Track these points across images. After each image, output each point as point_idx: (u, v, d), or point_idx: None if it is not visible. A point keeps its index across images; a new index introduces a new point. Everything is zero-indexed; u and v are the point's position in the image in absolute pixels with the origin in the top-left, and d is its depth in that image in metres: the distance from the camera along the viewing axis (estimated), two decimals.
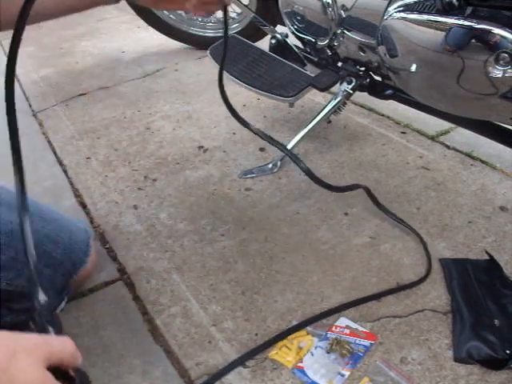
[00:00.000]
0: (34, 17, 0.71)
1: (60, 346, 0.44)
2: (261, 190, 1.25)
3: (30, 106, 1.83)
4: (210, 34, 2.14)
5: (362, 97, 1.37)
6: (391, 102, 1.24)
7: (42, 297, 0.48)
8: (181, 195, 1.25)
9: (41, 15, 0.75)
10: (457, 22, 0.81)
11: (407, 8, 0.90)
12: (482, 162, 1.29)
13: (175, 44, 2.22)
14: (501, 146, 1.04)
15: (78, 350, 0.46)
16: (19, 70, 2.15)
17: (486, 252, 0.99)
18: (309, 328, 0.87)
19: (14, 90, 0.49)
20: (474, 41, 0.79)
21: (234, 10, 2.07)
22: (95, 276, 1.01)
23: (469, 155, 1.32)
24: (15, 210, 0.80)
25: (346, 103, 1.31)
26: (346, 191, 1.11)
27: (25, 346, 0.41)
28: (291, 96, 1.27)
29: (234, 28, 2.08)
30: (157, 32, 2.16)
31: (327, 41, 1.21)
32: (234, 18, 2.10)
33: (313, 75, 1.28)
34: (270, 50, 1.45)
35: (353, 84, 1.23)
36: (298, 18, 1.27)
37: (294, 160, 0.95)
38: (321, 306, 0.92)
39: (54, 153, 1.50)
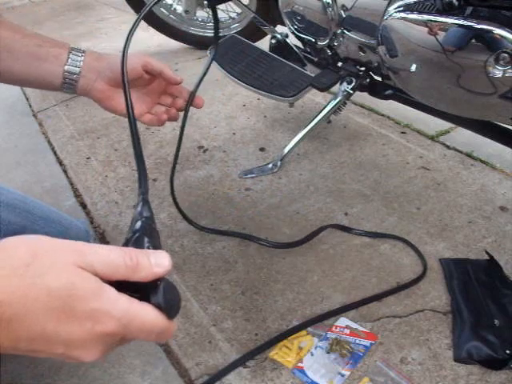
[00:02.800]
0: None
1: (108, 256, 0.36)
2: (261, 189, 1.25)
3: (30, 106, 1.83)
4: (210, 33, 2.14)
5: (362, 97, 1.37)
6: (391, 101, 1.24)
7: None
8: (181, 195, 1.25)
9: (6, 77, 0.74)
10: (457, 21, 0.81)
11: (407, 8, 0.90)
12: (482, 162, 1.29)
13: (175, 44, 2.22)
14: (501, 146, 1.04)
15: (166, 259, 0.39)
16: None
17: (486, 252, 0.99)
18: (309, 328, 0.87)
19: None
20: (474, 41, 0.79)
21: (234, 9, 2.07)
22: None
23: (469, 155, 1.32)
24: (15, 211, 0.80)
25: (345, 103, 1.31)
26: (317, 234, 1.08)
27: (61, 247, 0.35)
28: (291, 96, 1.27)
29: (234, 28, 2.09)
30: (157, 32, 2.16)
31: (327, 41, 1.21)
32: (233, 18, 2.10)
33: (313, 75, 1.28)
34: (269, 50, 1.45)
35: (353, 84, 1.23)
36: (298, 18, 1.27)
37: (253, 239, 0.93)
38: (321, 306, 0.92)
39: (54, 153, 1.50)
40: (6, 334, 0.32)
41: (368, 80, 1.22)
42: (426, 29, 0.86)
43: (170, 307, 0.37)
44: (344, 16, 1.11)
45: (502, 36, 0.76)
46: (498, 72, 0.78)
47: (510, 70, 0.77)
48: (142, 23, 2.40)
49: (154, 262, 0.38)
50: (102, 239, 1.12)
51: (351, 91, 1.25)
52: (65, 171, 1.40)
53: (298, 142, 1.32)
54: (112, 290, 0.35)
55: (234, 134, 1.51)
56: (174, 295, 0.38)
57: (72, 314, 0.33)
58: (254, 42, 1.56)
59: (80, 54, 0.75)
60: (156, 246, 0.42)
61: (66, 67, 0.73)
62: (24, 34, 0.72)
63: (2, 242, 0.34)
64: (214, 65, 1.45)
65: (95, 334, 0.34)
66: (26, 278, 0.32)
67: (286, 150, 1.32)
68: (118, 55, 0.71)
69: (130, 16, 2.49)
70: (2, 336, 0.32)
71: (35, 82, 0.75)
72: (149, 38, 2.35)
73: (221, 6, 1.99)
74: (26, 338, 0.33)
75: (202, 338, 0.88)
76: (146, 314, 0.36)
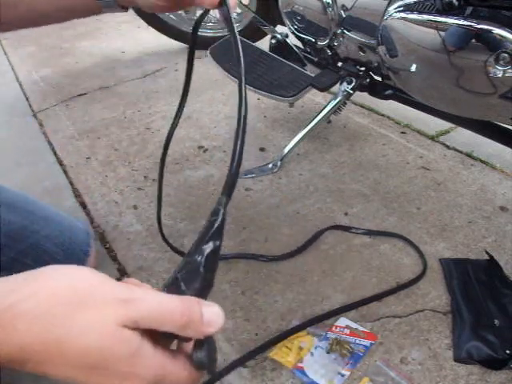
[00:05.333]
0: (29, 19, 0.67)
1: (156, 310, 0.34)
2: (261, 189, 1.25)
3: (30, 106, 1.83)
4: (209, 33, 2.14)
5: (362, 97, 1.37)
6: (391, 101, 1.24)
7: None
8: (181, 195, 1.25)
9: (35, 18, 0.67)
10: (457, 21, 0.81)
11: (407, 8, 0.90)
12: (482, 162, 1.29)
13: (175, 44, 2.22)
14: (501, 146, 1.04)
15: (219, 317, 0.39)
16: (19, 70, 2.15)
17: (486, 252, 0.99)
18: (309, 328, 0.87)
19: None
20: (474, 41, 0.79)
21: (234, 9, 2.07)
22: None
23: (469, 155, 1.32)
24: (15, 210, 0.80)
25: (345, 103, 1.31)
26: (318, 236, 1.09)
27: (103, 298, 0.33)
28: (291, 96, 1.27)
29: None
30: (157, 32, 2.16)
31: (327, 41, 1.21)
32: (234, 18, 2.10)
33: (313, 75, 1.28)
34: (270, 50, 1.45)
35: (353, 84, 1.23)
36: (298, 18, 1.27)
37: None
38: (321, 306, 0.92)
39: (54, 153, 1.50)
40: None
41: (368, 80, 1.22)
42: (426, 29, 0.86)
43: (210, 365, 0.36)
44: (344, 16, 1.11)
45: (502, 36, 0.76)
46: (498, 72, 0.78)
47: (510, 70, 0.77)
48: (142, 23, 2.39)
49: (207, 321, 0.38)
50: (102, 239, 1.12)
51: (351, 91, 1.25)
52: (65, 171, 1.40)
53: (298, 142, 1.32)
54: (148, 349, 0.34)
55: (234, 133, 1.51)
56: (214, 352, 0.37)
57: (103, 372, 0.33)
58: (253, 42, 1.56)
59: None
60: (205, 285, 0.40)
61: None
62: None
63: (39, 271, 0.33)
64: (214, 65, 1.45)
65: None
66: (63, 331, 0.32)
67: (286, 149, 1.32)
68: None
69: (130, 16, 2.49)
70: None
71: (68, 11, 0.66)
72: (149, 38, 2.35)
73: None
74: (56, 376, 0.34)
75: None
76: (179, 371, 0.35)
